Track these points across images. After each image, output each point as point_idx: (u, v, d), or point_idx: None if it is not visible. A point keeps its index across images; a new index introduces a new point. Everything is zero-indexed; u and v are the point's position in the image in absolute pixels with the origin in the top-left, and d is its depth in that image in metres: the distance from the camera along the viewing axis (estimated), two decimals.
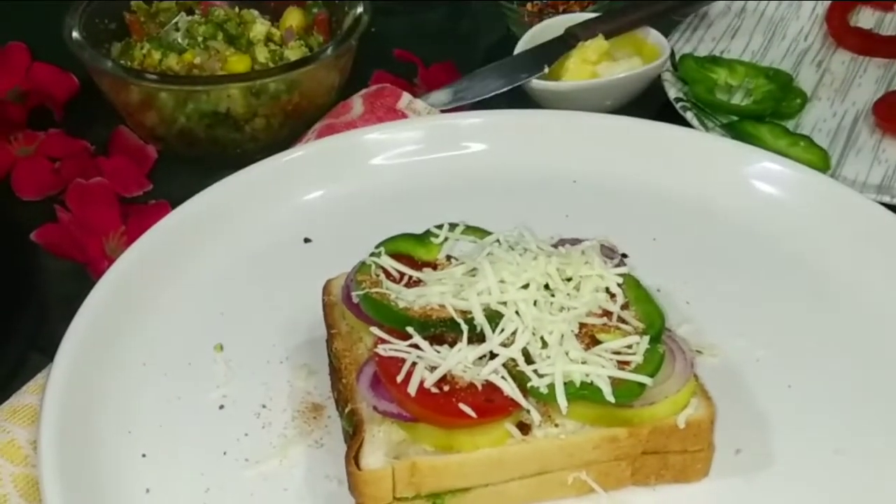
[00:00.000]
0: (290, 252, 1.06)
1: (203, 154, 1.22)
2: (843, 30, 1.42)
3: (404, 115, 1.18)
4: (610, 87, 1.25)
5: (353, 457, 0.78)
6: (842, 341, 0.95)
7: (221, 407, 0.90)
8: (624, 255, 1.00)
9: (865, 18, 1.46)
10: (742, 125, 1.24)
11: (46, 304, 1.07)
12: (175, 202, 1.09)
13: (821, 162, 1.19)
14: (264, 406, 0.90)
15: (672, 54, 1.32)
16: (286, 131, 1.21)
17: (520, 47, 1.29)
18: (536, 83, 1.24)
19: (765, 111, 1.28)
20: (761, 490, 0.83)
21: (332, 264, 0.95)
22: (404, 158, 1.14)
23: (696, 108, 1.25)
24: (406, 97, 1.19)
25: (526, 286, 0.83)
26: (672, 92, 1.27)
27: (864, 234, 1.04)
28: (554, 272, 0.84)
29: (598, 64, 1.27)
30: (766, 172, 1.10)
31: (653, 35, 1.31)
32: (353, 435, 0.80)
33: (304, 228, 1.08)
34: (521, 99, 1.25)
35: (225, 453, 0.86)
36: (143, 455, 0.86)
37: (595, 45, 1.27)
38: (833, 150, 1.23)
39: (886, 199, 1.11)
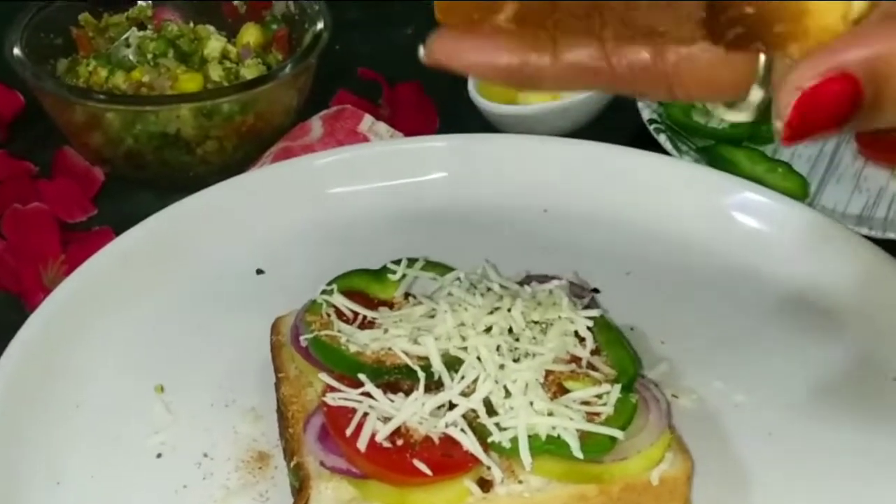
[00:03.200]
0: (241, 284, 0.99)
1: (153, 177, 1.15)
2: None
3: (366, 139, 1.12)
4: (571, 110, 1.20)
5: None
6: (825, 382, 0.89)
7: (159, 455, 0.83)
8: (595, 290, 0.95)
9: None
10: (718, 150, 1.19)
11: None
12: (121, 229, 1.02)
13: (799, 189, 1.14)
14: (206, 454, 0.83)
15: None
16: (241, 154, 1.14)
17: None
18: (495, 107, 1.19)
19: (742, 135, 1.23)
20: None
21: (284, 298, 0.89)
22: (362, 185, 1.07)
23: (671, 131, 1.19)
24: (368, 119, 1.13)
25: (488, 330, 0.77)
26: (646, 113, 1.21)
27: (845, 269, 0.98)
28: (518, 315, 0.78)
29: None
30: (744, 202, 1.04)
31: None
32: (300, 491, 0.74)
33: (256, 259, 1.01)
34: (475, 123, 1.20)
35: None
36: None
37: None
38: (812, 177, 1.18)
39: (865, 230, 1.05)
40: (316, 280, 0.87)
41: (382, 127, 1.13)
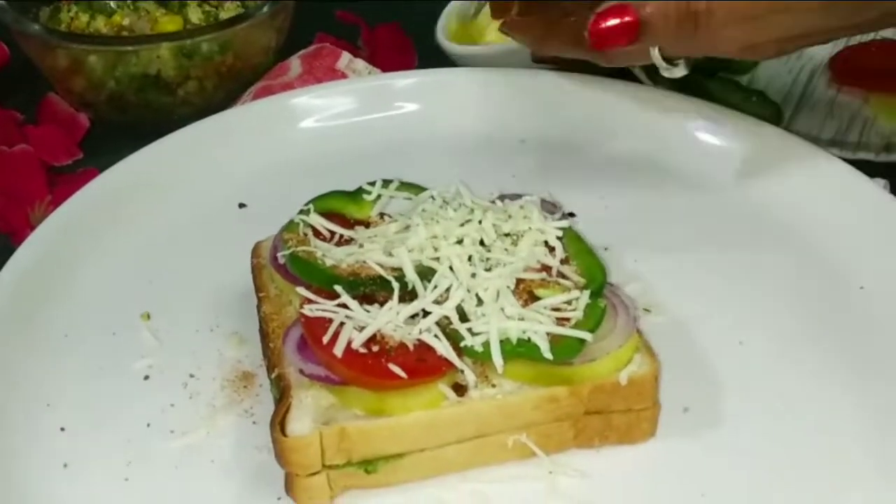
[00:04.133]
0: (222, 217, 1.01)
1: (136, 120, 1.17)
2: None
3: (344, 76, 1.14)
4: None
5: (279, 423, 0.74)
6: (794, 296, 0.91)
7: (146, 378, 0.86)
8: (571, 214, 0.97)
9: None
10: (692, 80, 1.20)
11: None
12: (105, 170, 1.04)
13: (773, 117, 1.15)
14: (192, 375, 0.86)
15: None
16: (221, 94, 1.16)
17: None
18: (457, 47, 1.20)
19: (717, 66, 1.24)
20: (710, 449, 0.79)
21: (266, 228, 0.90)
22: (337, 120, 1.09)
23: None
24: (346, 57, 1.15)
25: (460, 242, 0.79)
26: None
27: (815, 185, 1.00)
28: (489, 227, 0.80)
29: None
30: (715, 126, 1.06)
31: None
32: (280, 400, 0.76)
33: (238, 193, 1.03)
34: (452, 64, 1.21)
35: (149, 425, 0.82)
36: (62, 429, 0.81)
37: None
38: (787, 105, 1.20)
39: (836, 152, 1.07)
40: (294, 210, 0.89)
41: (360, 64, 1.14)
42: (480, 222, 0.80)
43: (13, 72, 1.27)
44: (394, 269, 0.78)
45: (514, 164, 1.06)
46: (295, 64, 1.15)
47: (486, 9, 1.23)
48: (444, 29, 1.23)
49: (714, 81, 1.20)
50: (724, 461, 0.78)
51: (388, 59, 1.25)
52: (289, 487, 0.76)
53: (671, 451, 0.79)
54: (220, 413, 0.83)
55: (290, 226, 0.85)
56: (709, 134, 1.07)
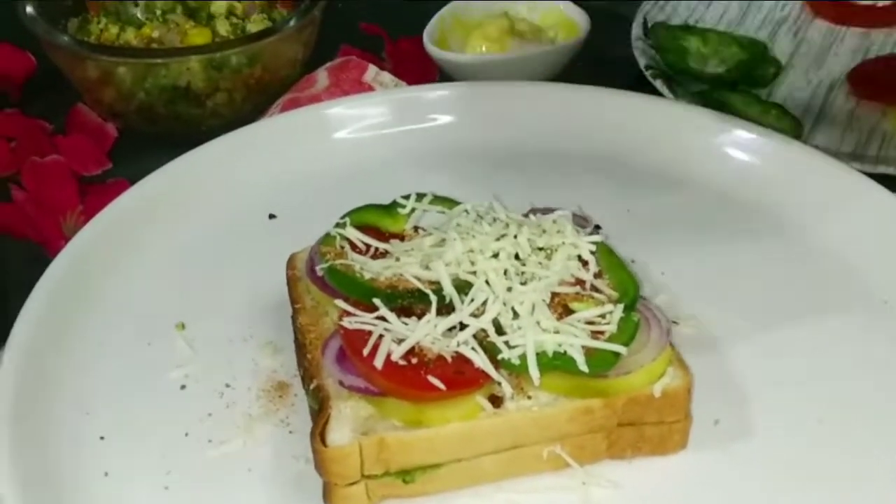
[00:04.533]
0: (255, 228, 1.03)
1: (164, 131, 1.19)
2: (820, 1, 1.40)
3: (370, 88, 1.15)
4: (527, 62, 1.22)
5: (319, 433, 0.75)
6: (819, 309, 0.93)
7: (183, 387, 0.87)
8: (598, 227, 0.98)
9: None
10: (713, 93, 1.22)
11: (3, 288, 1.03)
12: (136, 181, 1.06)
13: (792, 130, 1.17)
14: (228, 385, 0.87)
15: (644, 21, 1.30)
16: (249, 106, 1.17)
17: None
18: (449, 56, 1.21)
19: (736, 79, 1.27)
20: (741, 461, 0.80)
21: (297, 239, 0.92)
22: (369, 132, 1.11)
23: (667, 77, 1.22)
24: (372, 70, 1.16)
25: (496, 256, 0.81)
26: (643, 60, 1.24)
27: (838, 199, 1.02)
28: (524, 241, 0.81)
29: (500, 41, 1.25)
30: (737, 140, 1.08)
31: (573, 10, 1.29)
32: (319, 411, 0.77)
33: (269, 204, 1.05)
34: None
35: (187, 434, 0.83)
36: (102, 437, 0.83)
37: (497, 24, 1.25)
38: (806, 119, 1.21)
39: (857, 166, 1.08)
40: (327, 222, 0.90)
41: (387, 77, 1.16)
42: (516, 237, 0.82)
43: (40, 81, 1.29)
44: (431, 283, 0.80)
45: (542, 176, 1.07)
46: (322, 76, 1.16)
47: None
48: (433, 35, 1.24)
49: (734, 94, 1.22)
50: (755, 473, 0.80)
51: (410, 72, 1.26)
52: (327, 496, 0.77)
53: (702, 463, 0.81)
54: (256, 422, 0.84)
55: (327, 239, 0.86)
56: (731, 147, 1.08)
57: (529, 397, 0.77)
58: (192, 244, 1.00)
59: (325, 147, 1.09)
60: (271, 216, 1.04)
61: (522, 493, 0.78)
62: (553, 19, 1.30)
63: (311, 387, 0.79)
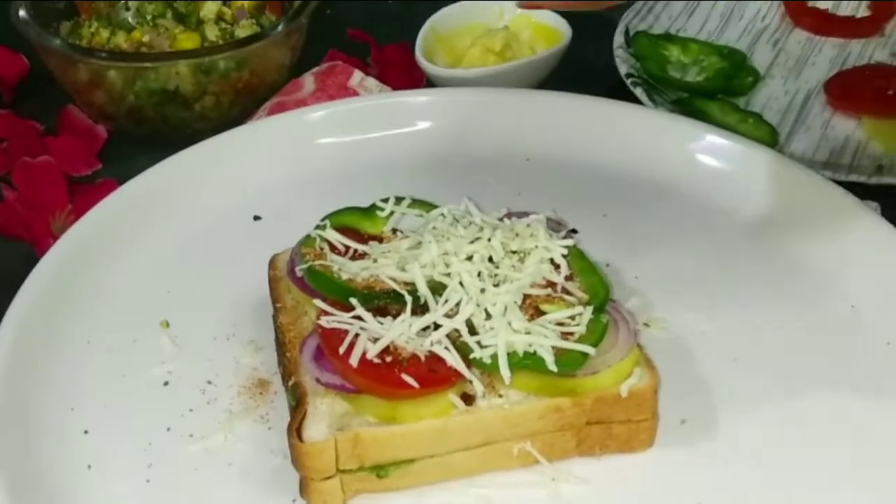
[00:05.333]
0: (238, 229, 1.05)
1: (153, 133, 1.21)
2: (801, 10, 1.43)
3: (356, 93, 1.18)
4: (511, 73, 1.24)
5: (296, 429, 0.78)
6: (788, 314, 0.95)
7: (166, 383, 0.90)
8: (574, 231, 1.00)
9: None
10: (691, 101, 1.25)
11: None
12: (124, 181, 1.08)
13: (768, 138, 1.20)
14: (210, 382, 0.89)
15: (626, 30, 1.33)
16: (237, 110, 1.20)
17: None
18: (439, 70, 1.24)
19: (716, 88, 1.29)
20: (706, 460, 0.83)
21: (280, 241, 0.94)
22: (352, 136, 1.13)
23: (647, 85, 1.25)
24: (357, 75, 1.19)
25: (470, 258, 0.83)
26: (623, 68, 1.27)
27: (808, 206, 1.04)
28: (498, 245, 0.84)
29: (502, 54, 1.28)
30: (712, 147, 1.10)
31: (554, 19, 1.32)
32: (296, 407, 0.79)
33: (253, 206, 1.07)
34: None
35: (169, 429, 0.85)
36: (86, 432, 0.85)
37: (501, 35, 1.28)
38: (783, 127, 1.24)
39: (829, 174, 1.11)
40: (310, 224, 0.92)
41: (372, 82, 1.18)
42: (489, 240, 0.84)
43: (31, 83, 1.31)
44: (406, 284, 0.82)
45: (520, 181, 1.10)
46: (308, 81, 1.18)
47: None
48: (423, 48, 1.27)
49: (712, 103, 1.25)
50: (720, 471, 0.82)
51: (397, 77, 1.28)
52: (303, 490, 0.80)
53: (669, 461, 0.83)
54: (236, 418, 0.86)
55: (307, 240, 0.88)
56: (706, 155, 1.10)
57: (500, 395, 0.79)
58: (178, 244, 1.03)
59: (309, 150, 1.11)
60: (256, 218, 1.06)
61: (493, 489, 0.81)
62: (521, 24, 1.32)
63: (290, 384, 0.81)
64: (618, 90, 1.25)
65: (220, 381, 0.90)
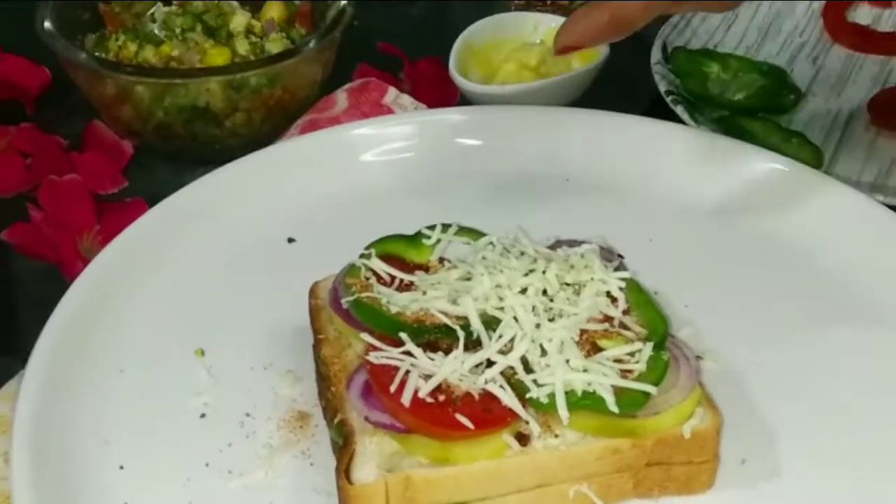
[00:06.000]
0: (274, 252, 1.02)
1: (181, 150, 1.18)
2: (840, 26, 1.40)
3: (390, 111, 1.15)
4: (545, 90, 1.21)
5: (344, 470, 0.74)
6: (844, 343, 0.92)
7: (203, 415, 0.86)
8: (620, 256, 0.97)
9: (863, 14, 1.44)
10: (734, 120, 1.21)
11: (17, 308, 1.02)
12: (151, 200, 1.05)
13: (813, 159, 1.16)
14: (248, 414, 0.86)
15: (664, 45, 1.29)
16: (268, 127, 1.17)
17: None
18: (474, 86, 1.20)
19: (757, 106, 1.26)
20: (768, 501, 0.80)
21: (317, 265, 0.91)
22: (393, 155, 1.10)
23: (687, 103, 1.22)
24: (392, 92, 1.15)
25: (524, 291, 0.80)
26: (663, 85, 1.23)
27: (862, 232, 1.01)
28: (553, 277, 0.81)
29: (537, 70, 1.25)
30: (762, 170, 1.07)
31: None
32: (344, 447, 0.76)
33: (288, 228, 1.04)
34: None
35: (207, 465, 0.82)
36: (121, 467, 0.82)
37: (537, 50, 1.25)
38: (826, 147, 1.21)
39: (880, 197, 1.07)
40: (346, 248, 0.89)
41: (407, 99, 1.15)
42: (544, 272, 0.81)
43: (53, 94, 1.28)
44: (458, 318, 0.79)
45: (564, 203, 1.07)
46: (341, 98, 1.15)
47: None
48: (456, 63, 1.23)
49: (755, 122, 1.22)
50: None
51: (429, 93, 1.25)
52: None
53: (730, 503, 0.80)
54: (277, 453, 0.83)
55: (352, 269, 0.85)
56: (755, 177, 1.07)
57: (556, 436, 0.76)
58: (210, 268, 0.99)
59: (348, 169, 1.08)
60: (290, 240, 1.03)
61: None
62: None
63: (336, 421, 0.78)
64: (656, 107, 1.22)
65: (259, 414, 0.86)
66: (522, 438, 0.76)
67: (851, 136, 1.24)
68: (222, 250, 1.01)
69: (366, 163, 1.09)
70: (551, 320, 0.79)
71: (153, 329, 0.93)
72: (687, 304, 0.95)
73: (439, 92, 1.27)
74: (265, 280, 0.99)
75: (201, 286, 0.98)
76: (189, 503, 0.79)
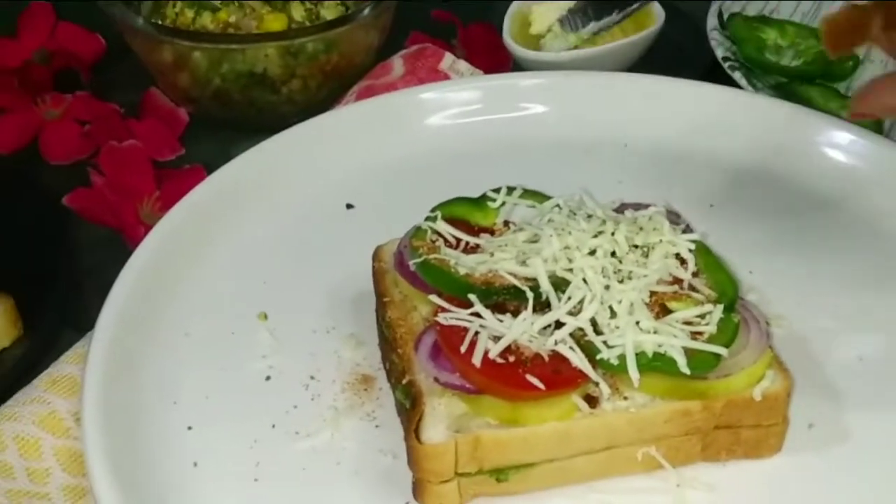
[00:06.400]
0: (333, 218, 1.02)
1: (237, 117, 1.18)
2: None
3: (447, 76, 1.14)
4: (603, 57, 1.20)
5: (414, 430, 0.74)
6: None
7: (268, 378, 0.87)
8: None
9: None
10: (792, 86, 1.20)
11: (79, 274, 1.02)
12: (209, 167, 1.05)
13: (873, 126, 1.14)
14: (312, 377, 0.87)
15: (720, 13, 1.28)
16: (324, 93, 1.16)
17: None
18: (527, 52, 1.20)
19: (815, 73, 1.24)
20: (836, 466, 0.79)
21: (376, 230, 0.91)
22: (457, 120, 1.09)
23: (745, 69, 1.20)
24: (449, 57, 1.15)
25: (592, 253, 0.79)
26: (720, 51, 1.22)
27: None
28: (622, 239, 0.80)
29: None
30: (826, 136, 1.06)
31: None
32: (413, 407, 0.76)
33: (347, 194, 1.04)
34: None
35: (274, 426, 0.83)
36: (189, 427, 0.83)
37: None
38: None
39: None
40: (404, 214, 0.89)
41: (463, 65, 1.15)
42: (613, 234, 0.80)
43: (107, 63, 1.28)
44: (527, 280, 0.79)
45: (627, 168, 1.06)
46: (397, 64, 1.15)
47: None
48: (510, 29, 1.23)
49: (813, 89, 1.20)
50: (851, 478, 0.79)
51: (482, 60, 1.24)
52: (418, 493, 0.77)
53: (797, 467, 0.80)
54: (342, 416, 0.83)
55: (418, 232, 0.85)
56: (820, 144, 1.06)
57: (626, 398, 0.76)
58: (271, 233, 1.00)
59: (406, 136, 1.08)
60: (349, 206, 1.03)
61: (616, 494, 0.78)
62: None
63: (403, 382, 0.78)
64: (711, 74, 1.20)
65: (323, 377, 0.87)
66: (591, 400, 0.75)
67: None
68: (281, 216, 1.01)
69: (426, 128, 1.09)
70: (620, 282, 0.78)
71: (216, 293, 0.94)
72: (751, 270, 0.94)
73: (492, 58, 1.26)
74: (325, 245, 0.99)
75: (261, 251, 0.98)
76: (257, 463, 0.80)
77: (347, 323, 0.91)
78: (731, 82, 1.17)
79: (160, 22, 1.18)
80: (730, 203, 1.02)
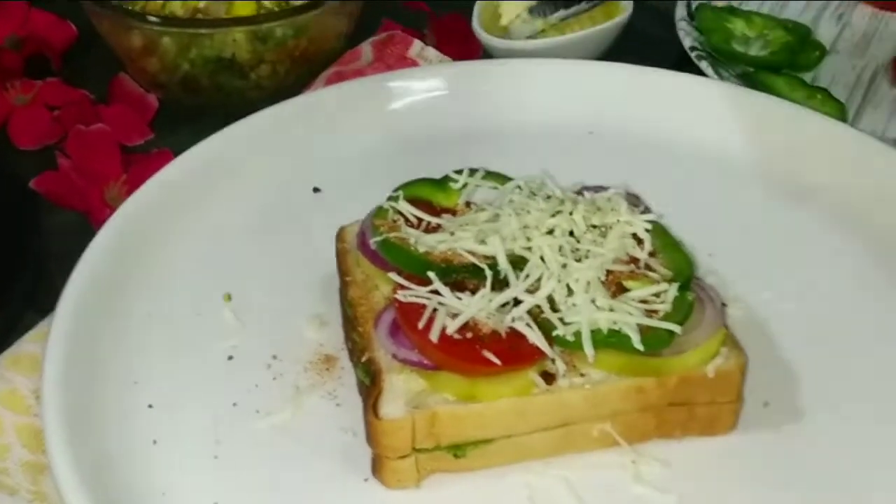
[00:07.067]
0: (299, 201, 1.02)
1: (206, 102, 1.18)
2: None
3: (415, 63, 1.15)
4: (572, 45, 1.21)
5: (372, 406, 0.75)
6: (867, 292, 0.92)
7: (230, 358, 0.87)
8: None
9: None
10: (758, 76, 1.21)
11: (45, 259, 1.02)
12: (178, 152, 1.05)
13: (837, 114, 1.16)
14: (275, 357, 0.87)
15: (688, 3, 1.29)
16: (292, 79, 1.17)
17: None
18: (497, 41, 1.21)
19: (781, 63, 1.25)
20: (790, 443, 0.80)
21: (342, 213, 0.92)
22: (420, 107, 1.10)
23: (712, 58, 1.21)
24: (417, 44, 1.16)
25: (551, 232, 0.80)
26: (687, 41, 1.23)
27: (886, 183, 1.00)
28: (580, 218, 0.81)
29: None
30: (785, 122, 1.07)
31: None
32: (371, 384, 0.77)
33: (313, 177, 1.04)
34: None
35: (235, 405, 0.83)
36: (150, 406, 0.83)
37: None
38: (850, 104, 1.21)
39: None
40: (370, 197, 0.89)
41: (432, 52, 1.15)
42: (571, 214, 0.81)
43: (78, 50, 1.29)
44: (486, 258, 0.79)
45: (589, 154, 1.07)
46: (366, 50, 1.16)
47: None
48: (479, 18, 1.24)
49: (779, 78, 1.21)
50: (805, 455, 0.80)
51: (453, 48, 1.25)
52: (376, 469, 0.78)
53: (752, 445, 0.81)
54: (304, 394, 0.84)
55: (380, 211, 0.86)
56: (778, 129, 1.07)
57: (582, 374, 0.77)
58: (238, 216, 1.00)
59: (373, 122, 1.08)
60: (316, 189, 1.04)
61: (572, 470, 0.78)
62: None
63: (362, 360, 0.79)
64: (680, 64, 1.21)
65: (286, 357, 0.87)
66: (548, 377, 0.76)
67: (876, 93, 1.23)
68: (247, 199, 1.02)
69: (393, 114, 1.10)
70: (578, 261, 0.79)
71: (180, 274, 0.94)
72: (710, 253, 0.95)
73: (463, 47, 1.27)
74: (290, 228, 1.00)
75: (227, 233, 0.99)
76: (218, 441, 0.81)
77: (312, 304, 0.92)
78: (699, 72, 1.19)
79: (130, 7, 1.18)
80: (693, 189, 1.03)
